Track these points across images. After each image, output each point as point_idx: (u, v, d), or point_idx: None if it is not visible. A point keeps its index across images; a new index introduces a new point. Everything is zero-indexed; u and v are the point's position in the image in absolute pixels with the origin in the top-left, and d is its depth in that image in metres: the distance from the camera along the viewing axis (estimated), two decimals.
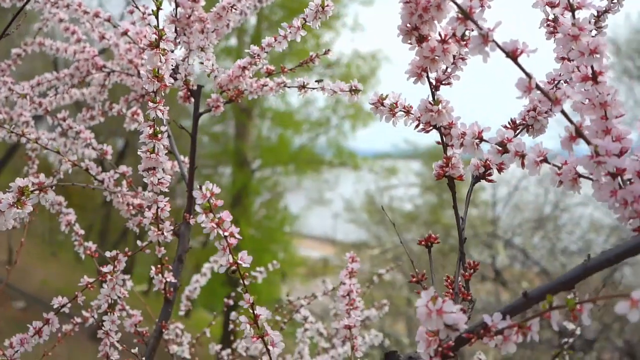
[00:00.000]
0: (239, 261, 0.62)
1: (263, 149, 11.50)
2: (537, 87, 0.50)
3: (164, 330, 0.98)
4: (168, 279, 0.96)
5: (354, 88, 0.82)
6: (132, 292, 1.30)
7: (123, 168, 1.04)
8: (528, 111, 0.68)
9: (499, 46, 0.50)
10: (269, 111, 11.93)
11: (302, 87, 0.94)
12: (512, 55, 0.50)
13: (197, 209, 0.60)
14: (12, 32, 0.79)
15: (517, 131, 0.68)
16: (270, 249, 10.44)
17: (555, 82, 0.69)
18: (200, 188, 0.60)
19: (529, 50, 0.50)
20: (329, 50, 0.99)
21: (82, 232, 1.09)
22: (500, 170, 0.67)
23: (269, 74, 0.98)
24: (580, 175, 0.54)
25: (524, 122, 0.68)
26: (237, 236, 0.62)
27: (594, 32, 0.73)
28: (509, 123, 0.68)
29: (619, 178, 0.51)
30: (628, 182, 0.52)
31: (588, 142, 0.51)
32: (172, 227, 0.91)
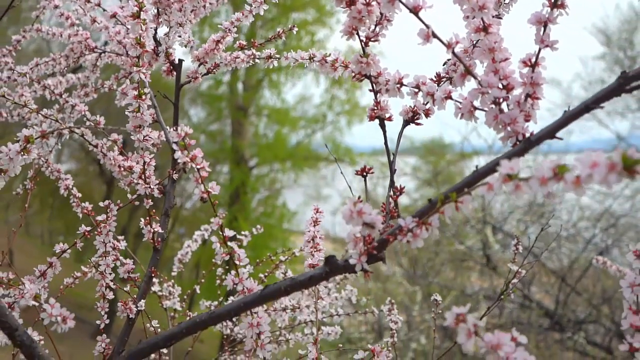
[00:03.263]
0: (209, 189, 0.75)
1: (260, 147, 11.63)
2: (434, 35, 0.64)
3: (153, 275, 1.11)
4: (156, 230, 1.09)
5: (311, 56, 0.95)
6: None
7: (114, 135, 1.17)
8: (450, 65, 0.81)
9: (403, 3, 0.63)
10: (265, 109, 12.06)
11: (269, 57, 1.07)
12: (414, 10, 0.63)
13: (175, 149, 0.73)
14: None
15: (441, 82, 0.81)
16: (270, 246, 10.55)
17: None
18: (176, 129, 0.73)
19: (427, 6, 0.63)
20: (294, 26, 1.12)
21: (79, 195, 1.22)
22: (427, 115, 0.80)
23: (241, 48, 1.12)
24: (475, 108, 0.67)
25: (447, 75, 0.81)
26: (207, 169, 0.75)
27: (508, 0, 0.86)
28: (435, 75, 0.82)
29: (500, 106, 0.64)
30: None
31: (475, 78, 0.64)
32: (157, 182, 1.04)
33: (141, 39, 0.83)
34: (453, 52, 0.64)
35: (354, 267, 0.68)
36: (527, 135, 0.63)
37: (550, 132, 0.60)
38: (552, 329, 6.18)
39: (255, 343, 0.76)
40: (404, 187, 0.76)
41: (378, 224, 0.63)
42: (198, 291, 1.47)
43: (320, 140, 12.08)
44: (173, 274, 1.50)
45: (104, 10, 1.20)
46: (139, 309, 1.04)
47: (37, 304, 0.75)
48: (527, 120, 0.64)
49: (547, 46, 0.64)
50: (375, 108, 0.76)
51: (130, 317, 1.06)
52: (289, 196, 12.20)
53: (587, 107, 0.58)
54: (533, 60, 0.65)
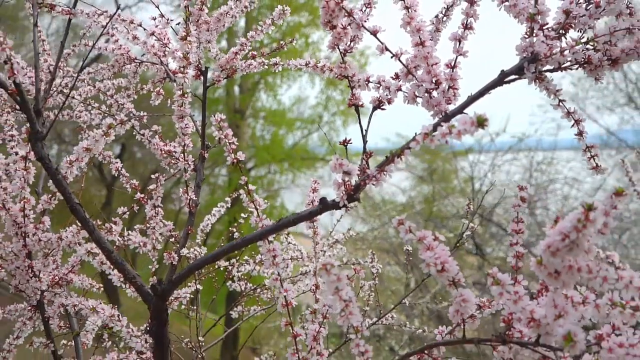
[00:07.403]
0: (237, 157, 1.09)
1: (257, 148, 11.96)
2: (386, 49, 0.98)
3: (190, 232, 1.45)
4: (191, 197, 1.43)
5: (307, 62, 1.29)
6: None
7: (155, 127, 1.51)
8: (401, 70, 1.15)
9: (365, 29, 0.97)
10: (262, 111, 12.39)
11: (276, 64, 1.41)
12: (373, 33, 0.98)
13: (213, 129, 1.07)
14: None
15: (399, 79, 1.15)
16: None
17: None
18: (214, 115, 1.07)
19: (382, 30, 0.98)
20: (293, 39, 1.47)
21: (127, 174, 1.56)
22: (389, 102, 1.14)
23: (253, 57, 1.46)
24: (416, 96, 1.02)
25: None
26: (235, 143, 1.09)
27: (445, 19, 1.20)
28: (394, 74, 1.16)
29: (431, 94, 0.98)
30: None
31: (414, 76, 0.98)
32: (193, 159, 1.38)
33: (187, 54, 1.18)
34: (399, 60, 0.99)
35: (338, 203, 1.01)
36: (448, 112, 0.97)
37: (459, 110, 0.94)
38: None
39: (272, 263, 1.10)
40: (372, 152, 1.10)
41: (354, 172, 0.97)
42: None
43: (317, 140, 12.40)
44: (197, 241, 1.84)
45: (145, 29, 1.54)
46: (181, 255, 1.38)
47: (120, 239, 1.09)
48: (449, 103, 0.98)
49: (460, 54, 0.98)
50: (352, 98, 1.10)
51: (174, 263, 1.40)
52: (287, 197, 12.50)
53: (481, 93, 0.92)
54: (452, 64, 0.99)
